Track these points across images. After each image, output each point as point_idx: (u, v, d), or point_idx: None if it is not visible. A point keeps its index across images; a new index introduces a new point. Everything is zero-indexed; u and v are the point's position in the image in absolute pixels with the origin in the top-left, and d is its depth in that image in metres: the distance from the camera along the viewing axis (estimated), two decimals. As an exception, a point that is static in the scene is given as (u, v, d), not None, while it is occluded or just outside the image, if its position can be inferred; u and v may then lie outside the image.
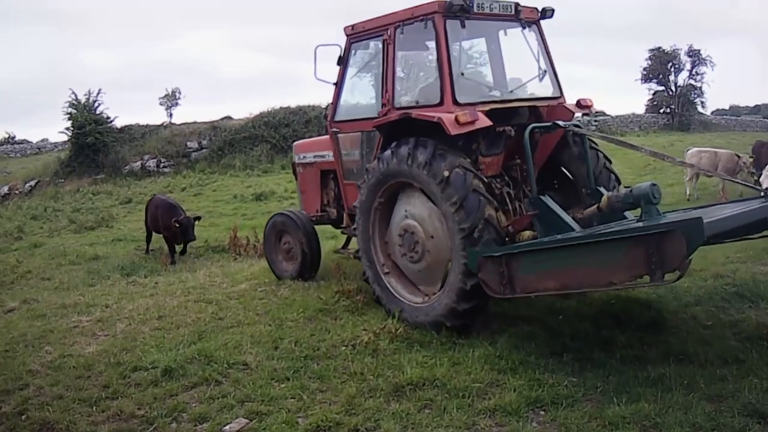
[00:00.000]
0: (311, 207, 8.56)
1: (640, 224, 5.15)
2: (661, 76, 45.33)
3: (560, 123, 6.43)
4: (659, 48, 44.94)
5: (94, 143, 26.98)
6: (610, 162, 6.99)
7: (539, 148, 6.71)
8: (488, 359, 5.29)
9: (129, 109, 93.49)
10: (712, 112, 51.03)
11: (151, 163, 27.01)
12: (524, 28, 6.80)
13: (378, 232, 6.65)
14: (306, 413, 4.65)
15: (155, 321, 7.04)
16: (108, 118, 28.54)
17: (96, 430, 4.62)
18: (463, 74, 6.44)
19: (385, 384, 4.97)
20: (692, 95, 45.06)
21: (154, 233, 13.51)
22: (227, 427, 4.51)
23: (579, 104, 6.90)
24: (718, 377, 4.76)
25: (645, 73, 45.76)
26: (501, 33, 6.97)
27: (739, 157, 14.66)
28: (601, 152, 6.95)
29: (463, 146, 6.07)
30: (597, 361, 5.17)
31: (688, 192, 15.06)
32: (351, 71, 7.38)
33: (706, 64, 44.52)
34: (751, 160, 14.79)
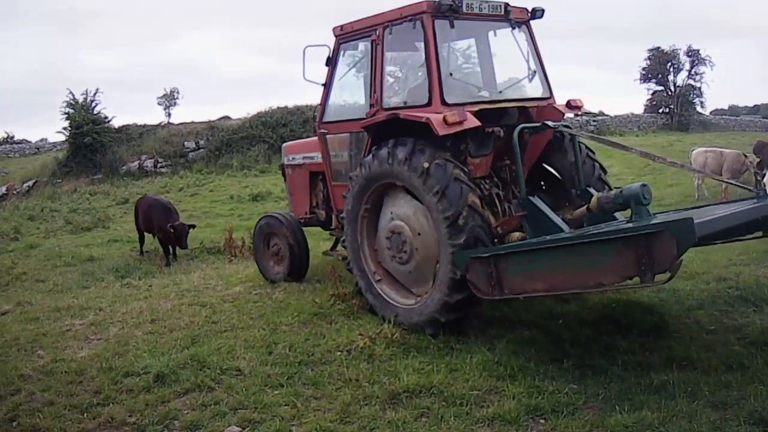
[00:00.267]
0: (300, 209, 8.51)
1: (630, 225, 5.09)
2: (660, 76, 45.24)
3: (549, 123, 6.40)
4: (658, 48, 44.89)
5: (91, 143, 26.82)
6: (602, 167, 6.93)
7: (528, 149, 6.66)
8: (486, 365, 5.19)
9: (129, 109, 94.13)
10: (711, 112, 50.97)
11: (149, 163, 26.84)
12: (514, 28, 6.75)
13: (366, 240, 6.60)
14: (300, 421, 4.56)
15: (148, 324, 6.95)
16: (105, 117, 28.38)
17: (86, 437, 4.52)
18: (451, 74, 6.37)
19: (381, 391, 4.87)
20: (691, 95, 44.95)
21: (146, 234, 13.38)
22: (219, 436, 4.40)
23: (569, 105, 6.86)
24: (722, 384, 4.66)
25: (644, 73, 45.68)
26: (490, 33, 6.92)
27: (745, 156, 14.58)
28: (591, 152, 6.89)
29: (452, 147, 6.01)
30: (598, 367, 5.07)
31: (696, 197, 14.77)
32: (340, 72, 7.30)
33: (705, 64, 44.52)
34: (758, 160, 14.70)
